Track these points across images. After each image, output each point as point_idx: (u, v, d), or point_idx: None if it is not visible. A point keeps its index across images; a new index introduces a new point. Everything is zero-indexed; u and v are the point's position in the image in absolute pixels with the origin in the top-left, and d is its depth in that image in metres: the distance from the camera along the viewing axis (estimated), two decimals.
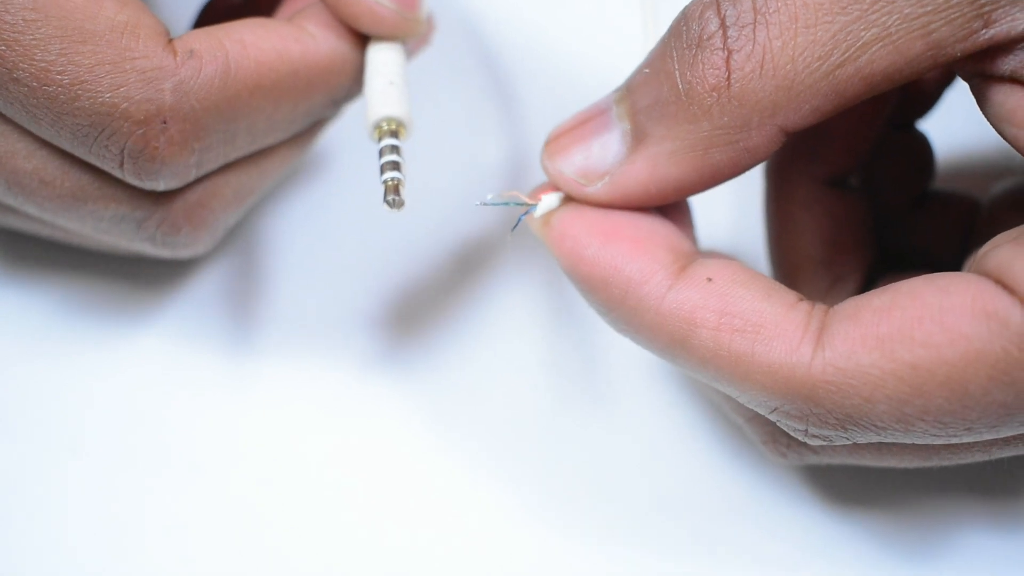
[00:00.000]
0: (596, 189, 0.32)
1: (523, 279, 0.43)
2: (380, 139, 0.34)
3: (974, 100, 0.31)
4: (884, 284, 0.38)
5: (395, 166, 0.33)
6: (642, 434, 0.40)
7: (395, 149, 0.34)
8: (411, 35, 0.37)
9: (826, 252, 0.38)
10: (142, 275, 0.43)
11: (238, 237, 0.44)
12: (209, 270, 0.43)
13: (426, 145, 0.41)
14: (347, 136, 0.42)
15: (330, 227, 0.44)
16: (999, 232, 0.37)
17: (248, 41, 0.35)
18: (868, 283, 0.39)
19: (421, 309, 0.43)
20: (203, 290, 0.43)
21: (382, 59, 0.36)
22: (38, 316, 0.42)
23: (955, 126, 0.41)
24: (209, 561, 0.39)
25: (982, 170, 0.43)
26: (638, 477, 0.40)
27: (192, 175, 0.35)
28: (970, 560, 0.38)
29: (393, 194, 0.33)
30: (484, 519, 0.40)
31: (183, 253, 0.38)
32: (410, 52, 0.38)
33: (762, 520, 0.39)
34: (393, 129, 0.34)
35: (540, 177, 0.34)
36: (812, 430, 0.31)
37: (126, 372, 0.42)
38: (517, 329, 0.42)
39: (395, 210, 0.33)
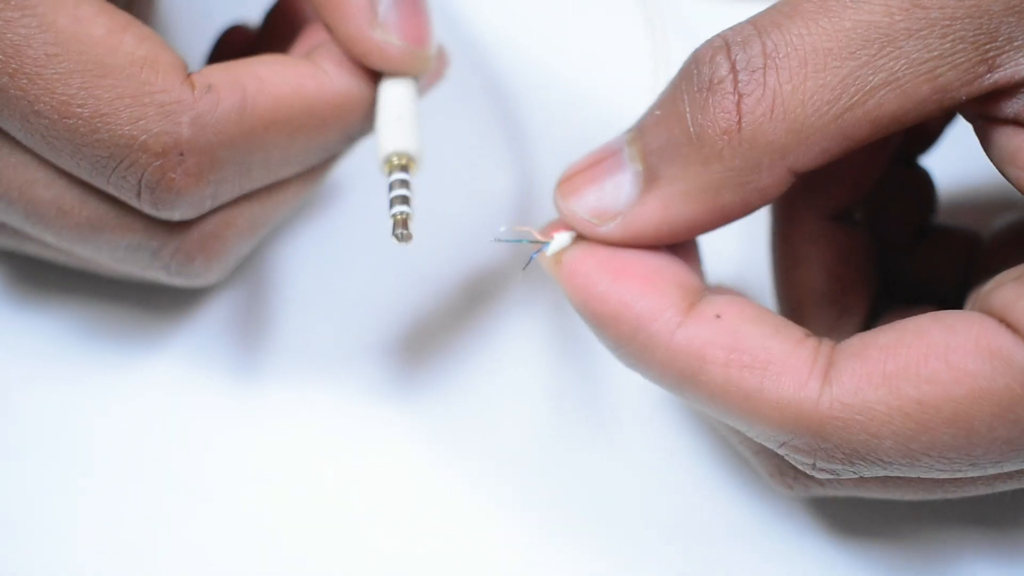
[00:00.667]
0: (609, 229, 0.33)
1: (530, 308, 0.43)
2: (390, 173, 0.35)
3: (977, 140, 0.32)
4: (888, 318, 0.39)
5: (404, 200, 0.34)
6: (647, 463, 0.41)
7: (404, 183, 0.34)
8: (421, 71, 0.37)
9: (832, 286, 0.38)
10: (154, 301, 0.43)
11: (250, 265, 0.44)
12: (221, 297, 0.44)
13: (436, 175, 0.41)
14: (358, 168, 0.43)
15: (340, 256, 0.44)
16: (1000, 266, 0.38)
17: (265, 77, 0.35)
18: (872, 316, 0.39)
19: (428, 338, 0.43)
20: (214, 317, 0.43)
21: (393, 94, 0.37)
22: (51, 340, 0.43)
23: (956, 161, 0.42)
24: None
25: (983, 205, 0.43)
26: (642, 505, 0.40)
27: (208, 206, 0.36)
28: None
29: (401, 228, 0.34)
30: (488, 545, 0.40)
31: (197, 282, 0.39)
32: (423, 87, 0.39)
33: (766, 549, 0.39)
34: (403, 164, 0.35)
35: (549, 206, 0.35)
36: (820, 464, 0.31)
37: (137, 398, 0.42)
38: (523, 357, 0.43)
39: (403, 244, 0.34)
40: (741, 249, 0.43)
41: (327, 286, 0.44)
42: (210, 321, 0.43)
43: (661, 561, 0.39)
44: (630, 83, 0.42)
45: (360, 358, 0.43)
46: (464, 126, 0.46)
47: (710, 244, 0.36)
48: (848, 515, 0.40)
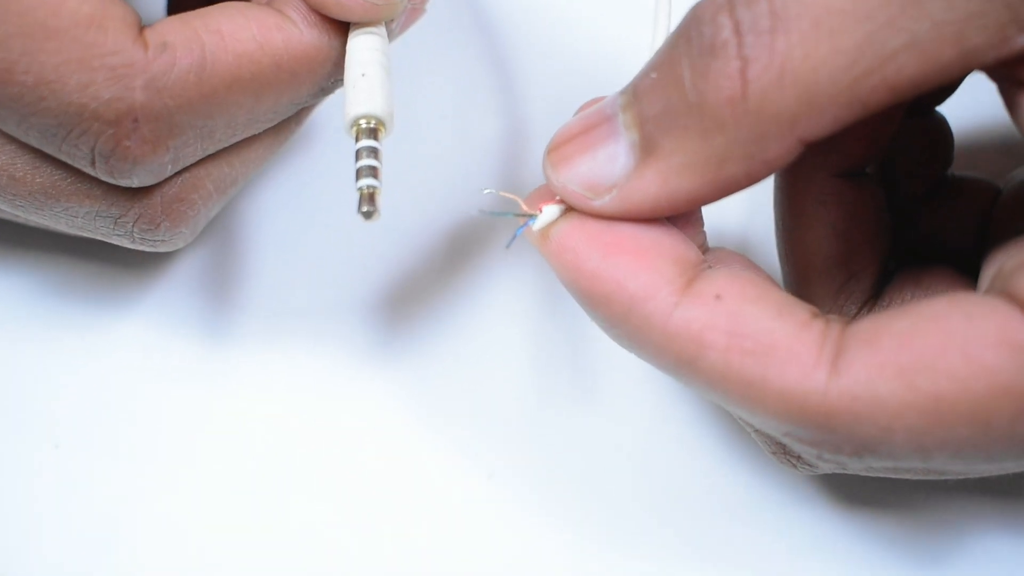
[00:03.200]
0: (604, 202, 0.30)
1: (516, 268, 0.41)
2: (357, 139, 0.31)
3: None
4: (900, 279, 0.37)
5: (372, 172, 0.31)
6: (643, 432, 0.39)
7: (373, 152, 0.31)
8: (387, 19, 0.34)
9: (840, 248, 0.36)
10: (120, 258, 0.41)
11: (221, 219, 0.42)
12: (191, 253, 0.42)
13: (418, 127, 0.39)
14: (332, 114, 0.40)
15: (315, 212, 0.42)
16: (1018, 223, 0.35)
17: (226, 31, 0.32)
18: (883, 277, 0.37)
19: (408, 299, 0.41)
20: (183, 276, 0.41)
21: (360, 47, 0.33)
22: (12, 299, 0.41)
23: (973, 107, 0.39)
24: (188, 550, 0.38)
25: (1001, 153, 0.41)
26: (637, 476, 0.39)
27: (168, 171, 0.33)
28: (983, 562, 0.37)
29: (368, 204, 0.31)
30: (474, 517, 0.39)
31: (162, 248, 0.37)
32: (403, 26, 0.36)
33: (769, 521, 0.38)
34: (372, 127, 0.31)
35: (536, 162, 0.32)
36: (826, 455, 0.30)
37: (104, 359, 0.40)
38: (510, 319, 0.41)
39: (369, 221, 0.31)
40: (744, 208, 0.41)
41: (301, 240, 0.42)
42: (180, 278, 0.41)
43: (658, 533, 0.38)
44: (626, 21, 0.39)
45: (335, 317, 0.41)
46: (450, 69, 0.43)
47: (711, 204, 0.34)
48: (853, 486, 0.38)
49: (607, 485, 0.39)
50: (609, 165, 0.30)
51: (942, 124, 0.38)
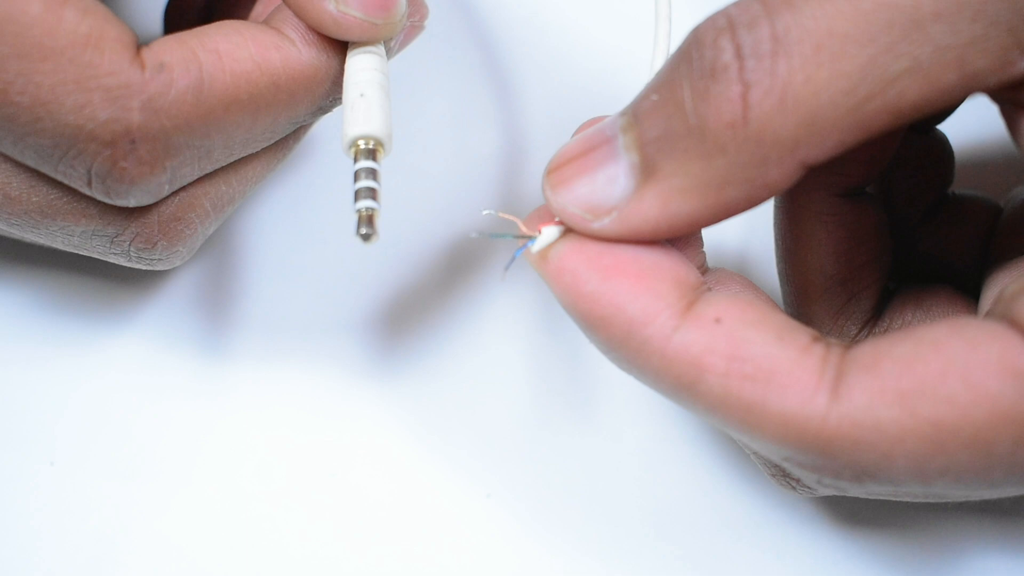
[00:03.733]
0: (603, 225, 0.30)
1: (515, 287, 0.41)
2: (356, 159, 0.31)
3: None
4: (901, 298, 0.37)
5: (370, 194, 0.30)
6: (643, 452, 0.39)
7: (372, 173, 0.31)
8: (387, 37, 0.34)
9: (841, 269, 0.35)
10: (117, 276, 0.41)
11: (219, 236, 0.42)
12: (186, 272, 0.42)
13: (417, 145, 0.38)
14: (330, 131, 0.40)
15: (312, 229, 0.42)
16: (1020, 242, 0.35)
17: (224, 51, 0.32)
18: (884, 297, 0.37)
19: (406, 317, 0.41)
20: (180, 292, 0.41)
21: (359, 67, 0.33)
22: (8, 316, 0.41)
23: (974, 125, 0.39)
24: (184, 569, 0.38)
25: (1002, 172, 0.41)
26: (637, 496, 0.39)
27: (165, 191, 0.33)
28: None
29: (367, 226, 0.30)
30: (472, 536, 0.38)
31: (159, 266, 0.36)
32: (402, 43, 0.35)
33: (768, 542, 0.38)
34: (371, 148, 0.31)
35: (536, 180, 0.32)
36: (825, 480, 0.29)
37: (100, 375, 0.40)
38: (508, 338, 0.41)
39: (368, 244, 0.30)
40: (745, 229, 0.41)
41: (299, 255, 0.42)
42: (177, 294, 0.41)
43: (657, 553, 0.38)
44: (626, 39, 0.38)
45: (335, 334, 0.41)
46: (450, 87, 0.43)
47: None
48: (852, 504, 0.38)
49: (605, 505, 0.38)
50: (609, 187, 0.30)
51: (943, 143, 0.38)
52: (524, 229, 0.31)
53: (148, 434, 0.39)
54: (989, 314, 0.30)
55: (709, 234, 0.34)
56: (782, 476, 0.34)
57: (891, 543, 0.38)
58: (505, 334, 0.40)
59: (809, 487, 0.33)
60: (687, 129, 0.28)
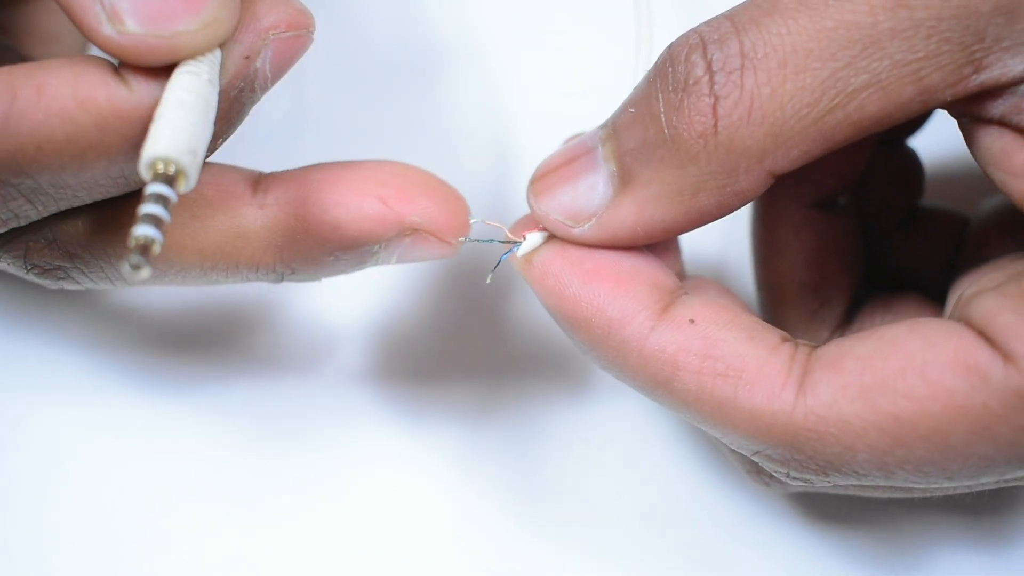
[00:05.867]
0: (583, 231, 0.32)
1: (502, 293, 0.42)
2: (152, 181, 0.27)
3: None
4: (871, 306, 0.39)
5: (154, 221, 0.26)
6: (626, 455, 0.40)
7: (162, 199, 0.27)
8: (193, 51, 0.29)
9: (813, 276, 0.37)
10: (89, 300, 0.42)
11: None
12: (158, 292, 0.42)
13: (406, 156, 0.40)
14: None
15: None
16: (986, 251, 0.37)
17: (46, 86, 0.29)
18: (855, 304, 0.38)
19: (397, 317, 0.42)
20: (174, 294, 0.42)
21: (175, 85, 0.29)
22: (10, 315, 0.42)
23: (944, 140, 0.40)
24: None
25: (971, 185, 0.42)
26: (621, 496, 0.40)
27: (12, 225, 0.31)
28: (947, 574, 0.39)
29: (139, 254, 0.26)
30: (466, 533, 0.40)
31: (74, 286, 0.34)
32: (279, 60, 0.31)
33: (744, 538, 0.39)
34: (168, 174, 0.27)
35: (522, 192, 0.33)
36: (793, 473, 0.31)
37: (100, 421, 0.41)
38: (496, 336, 0.42)
39: (134, 276, 0.26)
40: (722, 237, 0.42)
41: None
42: (170, 298, 0.42)
43: (636, 546, 0.39)
44: (611, 57, 0.40)
45: (325, 335, 0.41)
46: (439, 100, 0.45)
47: (690, 232, 0.35)
48: (825, 502, 0.40)
49: (586, 504, 0.40)
50: (589, 195, 0.31)
51: (913, 157, 0.40)
52: (510, 236, 0.32)
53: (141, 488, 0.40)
54: (949, 317, 0.31)
55: (688, 243, 0.35)
56: (756, 473, 0.35)
57: (861, 538, 0.39)
58: (492, 337, 0.42)
59: (781, 483, 0.35)
60: (662, 140, 0.30)
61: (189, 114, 0.28)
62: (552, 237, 0.32)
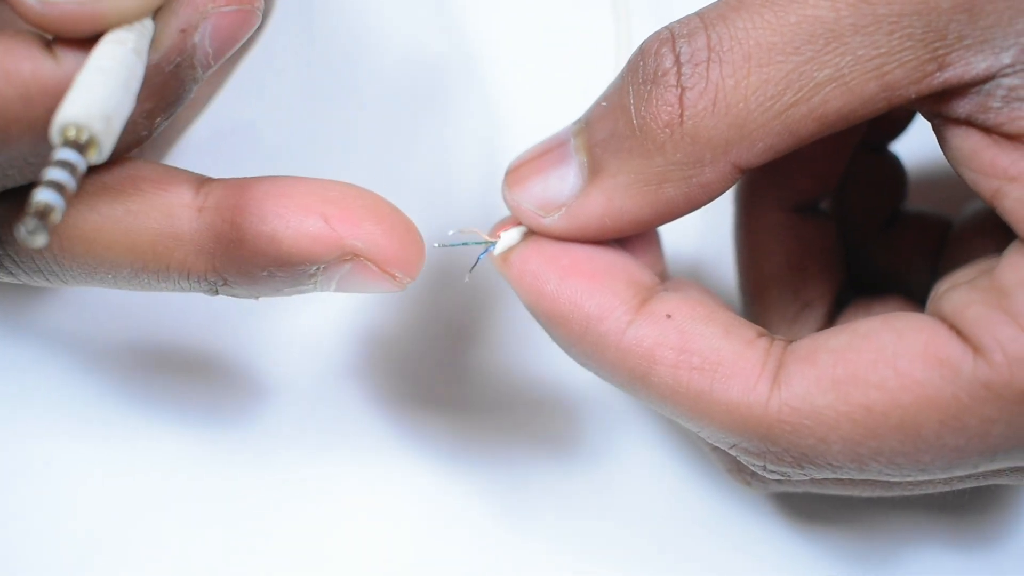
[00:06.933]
0: (553, 221, 0.32)
1: (482, 297, 0.43)
2: (61, 146, 0.26)
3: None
4: (853, 309, 0.39)
5: (57, 187, 0.25)
6: (610, 456, 0.41)
7: (68, 166, 0.25)
8: (122, 18, 0.28)
9: (794, 279, 0.37)
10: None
11: None
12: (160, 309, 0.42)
13: (393, 160, 0.40)
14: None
15: None
16: (967, 254, 0.37)
17: None
18: (837, 306, 0.39)
19: (387, 322, 0.42)
20: (169, 297, 0.42)
21: (98, 51, 0.28)
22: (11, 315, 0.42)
23: (926, 144, 0.41)
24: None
25: (954, 189, 0.42)
26: (605, 498, 0.40)
27: None
28: (927, 573, 0.39)
29: (36, 219, 0.24)
30: (456, 535, 0.40)
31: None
32: (222, 37, 0.29)
33: (725, 537, 0.39)
34: (78, 140, 0.26)
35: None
36: (770, 467, 0.31)
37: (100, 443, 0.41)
38: (488, 344, 0.42)
39: (30, 241, 0.24)
40: (705, 239, 0.42)
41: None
42: (165, 302, 0.42)
43: (623, 551, 0.39)
44: (592, 60, 0.41)
45: (317, 338, 0.41)
46: (428, 104, 0.45)
47: (673, 234, 0.36)
48: (805, 502, 0.40)
49: (568, 506, 0.40)
50: (559, 185, 0.32)
51: (895, 162, 0.40)
52: (485, 237, 0.33)
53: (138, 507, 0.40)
54: (923, 313, 0.32)
55: (673, 243, 0.36)
56: (738, 472, 0.35)
57: (844, 538, 0.39)
58: (479, 341, 0.42)
59: (762, 481, 0.35)
60: (630, 130, 0.30)
61: (107, 80, 0.27)
62: (529, 235, 0.33)
